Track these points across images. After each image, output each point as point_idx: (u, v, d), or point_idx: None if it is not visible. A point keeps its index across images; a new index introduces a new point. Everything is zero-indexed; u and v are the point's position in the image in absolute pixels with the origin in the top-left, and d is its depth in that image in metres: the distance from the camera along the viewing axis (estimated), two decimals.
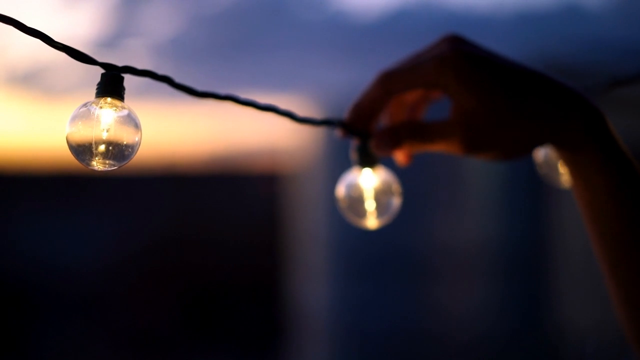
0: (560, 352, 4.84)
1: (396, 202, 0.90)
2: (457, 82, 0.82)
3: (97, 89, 0.73)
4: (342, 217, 0.97)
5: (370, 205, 0.90)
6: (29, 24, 0.72)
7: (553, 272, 4.95)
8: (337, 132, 0.92)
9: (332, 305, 5.17)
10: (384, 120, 0.92)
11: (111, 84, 0.73)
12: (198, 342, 6.80)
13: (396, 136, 0.87)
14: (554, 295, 4.92)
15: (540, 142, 0.84)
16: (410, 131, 0.86)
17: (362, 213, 0.90)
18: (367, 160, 0.89)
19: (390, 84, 0.86)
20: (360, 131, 0.89)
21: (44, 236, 7.40)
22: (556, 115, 0.82)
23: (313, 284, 5.29)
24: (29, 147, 7.85)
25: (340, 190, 0.90)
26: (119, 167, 0.74)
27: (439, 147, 0.86)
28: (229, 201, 7.61)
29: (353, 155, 0.90)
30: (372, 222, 0.90)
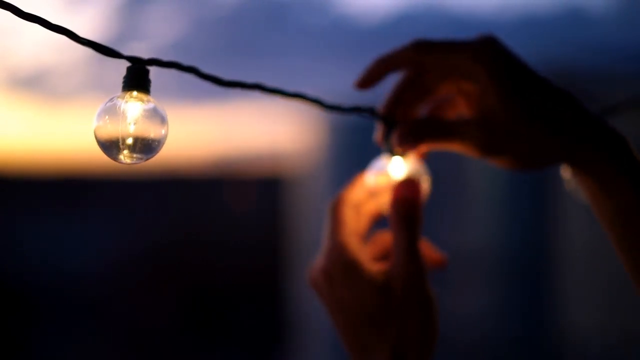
0: (563, 355, 4.84)
1: (424, 191, 0.90)
2: (489, 76, 0.82)
3: (123, 82, 0.74)
4: None
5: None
6: (39, 26, 0.72)
7: (556, 275, 4.95)
8: (376, 136, 0.91)
9: None
10: (408, 109, 0.91)
11: (137, 77, 0.73)
12: (200, 343, 6.80)
13: (418, 134, 0.86)
14: (557, 298, 4.92)
15: (555, 160, 0.84)
16: (431, 130, 0.86)
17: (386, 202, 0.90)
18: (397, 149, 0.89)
19: (422, 51, 0.85)
20: (391, 121, 0.88)
21: (47, 239, 7.41)
22: (577, 138, 0.81)
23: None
24: (32, 150, 7.86)
25: (370, 178, 0.90)
26: (146, 160, 0.74)
27: (455, 147, 0.86)
28: (231, 204, 7.61)
29: (381, 143, 0.90)
30: None
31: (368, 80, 0.89)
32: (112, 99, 0.73)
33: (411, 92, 0.89)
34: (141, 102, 0.73)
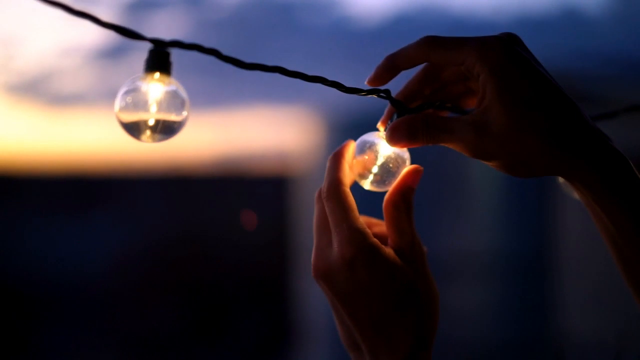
0: (565, 356, 4.85)
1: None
2: (490, 73, 0.79)
3: (145, 64, 0.74)
4: None
5: (375, 169, 0.90)
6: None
7: (555, 277, 4.95)
8: (382, 119, 0.91)
9: None
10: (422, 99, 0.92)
11: (159, 60, 0.74)
12: (205, 342, 6.80)
13: (413, 130, 0.85)
14: (556, 300, 4.93)
15: (548, 173, 0.82)
16: (426, 127, 0.85)
17: (365, 175, 0.91)
18: None
19: (432, 47, 0.84)
20: (402, 107, 0.89)
21: (52, 239, 7.41)
22: (571, 154, 0.79)
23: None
24: (37, 151, 7.88)
25: (358, 152, 0.91)
26: (168, 140, 0.75)
27: (449, 145, 0.85)
28: (237, 203, 7.62)
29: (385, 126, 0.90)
30: (367, 184, 0.91)
31: (379, 78, 0.88)
32: (134, 80, 0.74)
33: (427, 85, 0.90)
34: (163, 84, 0.74)
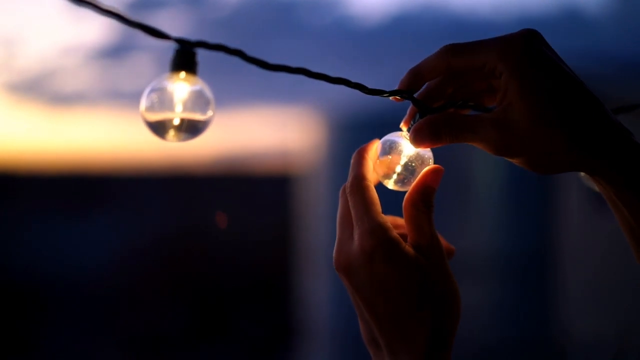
0: (564, 355, 4.86)
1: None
2: (511, 71, 0.80)
3: (170, 64, 0.75)
4: None
5: (398, 169, 0.91)
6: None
7: (558, 276, 4.97)
8: (404, 120, 0.91)
9: (341, 307, 5.19)
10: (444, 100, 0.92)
11: (184, 59, 0.75)
12: (207, 341, 6.81)
13: (436, 130, 0.86)
14: (558, 299, 4.94)
15: (571, 169, 0.83)
16: (449, 126, 0.86)
17: (388, 175, 0.91)
18: None
19: (452, 55, 0.85)
20: (422, 104, 0.90)
21: (53, 238, 7.42)
22: (593, 150, 0.80)
23: (323, 285, 5.31)
24: (39, 150, 7.89)
25: (382, 152, 0.91)
26: (193, 139, 0.76)
27: (472, 143, 0.86)
28: (239, 202, 7.63)
29: (408, 126, 0.91)
30: (390, 184, 0.92)
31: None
32: (159, 80, 0.75)
33: (449, 84, 0.90)
34: (188, 84, 0.75)
